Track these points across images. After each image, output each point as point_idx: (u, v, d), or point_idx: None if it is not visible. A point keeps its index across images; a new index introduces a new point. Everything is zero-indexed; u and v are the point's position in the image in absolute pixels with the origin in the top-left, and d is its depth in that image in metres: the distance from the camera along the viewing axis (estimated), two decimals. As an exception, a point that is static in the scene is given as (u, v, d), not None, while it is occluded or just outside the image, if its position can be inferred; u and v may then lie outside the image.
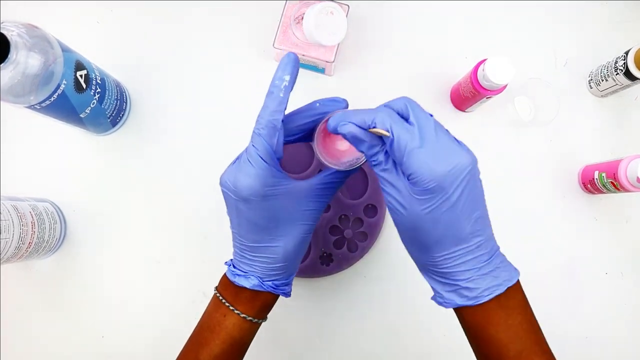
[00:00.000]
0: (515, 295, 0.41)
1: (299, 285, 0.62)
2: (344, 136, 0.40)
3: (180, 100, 0.64)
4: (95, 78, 0.53)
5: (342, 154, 0.45)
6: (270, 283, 0.44)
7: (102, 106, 0.56)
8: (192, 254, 0.62)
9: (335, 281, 0.62)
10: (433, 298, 0.43)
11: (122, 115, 0.62)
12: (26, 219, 0.53)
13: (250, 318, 0.45)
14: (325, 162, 0.44)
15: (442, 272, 0.40)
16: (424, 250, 0.40)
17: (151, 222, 0.62)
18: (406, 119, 0.39)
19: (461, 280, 0.39)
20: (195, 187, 0.63)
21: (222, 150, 0.63)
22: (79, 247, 0.61)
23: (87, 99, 0.52)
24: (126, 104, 0.62)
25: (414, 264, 0.64)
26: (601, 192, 0.62)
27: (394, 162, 0.40)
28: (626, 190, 0.58)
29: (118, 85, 0.59)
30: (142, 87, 0.64)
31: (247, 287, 0.44)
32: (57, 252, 0.61)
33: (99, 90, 0.54)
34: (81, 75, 0.50)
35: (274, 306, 0.61)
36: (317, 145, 0.44)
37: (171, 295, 0.61)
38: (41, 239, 0.56)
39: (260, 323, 0.47)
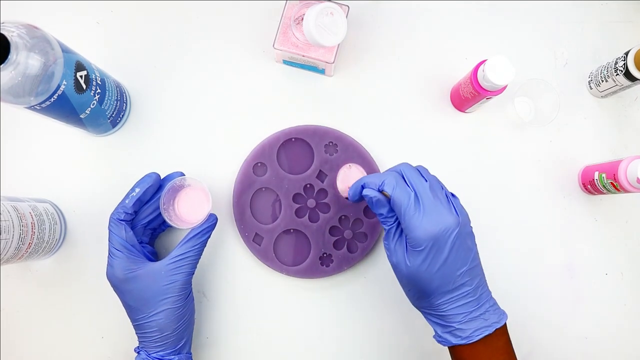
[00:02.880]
0: (501, 337, 0.47)
1: (299, 286, 0.62)
2: (368, 200, 0.49)
3: (180, 100, 0.64)
4: (96, 79, 0.53)
5: (191, 217, 0.56)
6: (155, 355, 0.52)
7: (102, 107, 0.56)
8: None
9: (335, 282, 0.62)
10: (434, 337, 0.49)
11: (122, 115, 0.62)
12: (26, 219, 0.53)
13: None
14: (181, 227, 0.54)
15: (439, 315, 0.47)
16: (422, 298, 0.48)
17: (151, 223, 0.62)
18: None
19: (455, 322, 0.46)
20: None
21: (222, 150, 0.63)
22: (79, 248, 0.61)
23: (87, 100, 0.52)
24: (126, 105, 0.62)
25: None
26: (601, 192, 0.62)
27: (399, 226, 0.48)
28: (626, 191, 0.58)
29: (118, 86, 0.59)
30: (142, 87, 0.64)
31: None
32: (57, 253, 0.61)
33: (99, 90, 0.54)
34: (81, 76, 0.50)
35: (274, 306, 0.62)
36: (169, 215, 0.54)
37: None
38: (41, 240, 0.56)
39: None
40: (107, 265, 0.52)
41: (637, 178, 0.55)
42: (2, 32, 0.42)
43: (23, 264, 0.60)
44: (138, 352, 0.53)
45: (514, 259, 0.64)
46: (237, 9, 0.66)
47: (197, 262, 0.54)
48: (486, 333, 0.46)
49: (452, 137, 0.65)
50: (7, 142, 0.62)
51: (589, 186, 0.63)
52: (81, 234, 0.61)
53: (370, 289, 0.62)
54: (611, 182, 0.59)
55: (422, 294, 0.47)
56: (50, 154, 0.62)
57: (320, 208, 0.61)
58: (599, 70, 0.65)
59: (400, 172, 0.48)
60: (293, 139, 0.62)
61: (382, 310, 0.62)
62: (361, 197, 0.50)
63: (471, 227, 0.48)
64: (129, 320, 0.53)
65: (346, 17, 0.57)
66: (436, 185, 0.47)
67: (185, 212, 0.56)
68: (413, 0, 0.67)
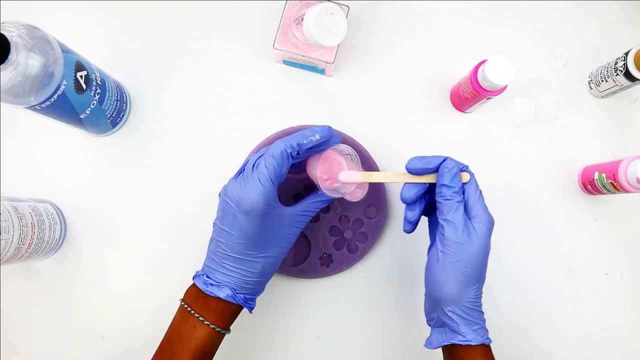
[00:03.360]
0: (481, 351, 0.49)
1: (299, 286, 0.62)
2: (449, 169, 0.48)
3: (180, 100, 0.64)
4: (96, 79, 0.53)
5: (337, 183, 0.51)
6: (242, 296, 0.48)
7: (102, 107, 0.56)
8: (192, 255, 0.61)
9: (335, 282, 0.62)
10: (452, 340, 0.48)
11: (122, 115, 0.62)
12: (26, 219, 0.53)
13: (219, 329, 0.48)
14: (324, 189, 0.49)
15: (472, 310, 0.47)
16: (468, 285, 0.47)
17: (151, 223, 0.62)
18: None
19: (481, 320, 0.48)
20: (195, 187, 0.63)
21: (222, 150, 0.63)
22: (79, 248, 0.61)
23: (87, 100, 0.52)
24: (126, 105, 0.62)
25: (413, 265, 0.64)
26: (601, 192, 0.62)
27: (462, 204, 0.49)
28: (626, 191, 0.58)
29: (118, 86, 0.60)
30: (142, 87, 0.64)
31: (221, 297, 0.47)
32: (57, 253, 0.61)
33: (99, 91, 0.54)
34: (81, 76, 0.50)
35: (274, 306, 0.62)
36: (317, 174, 0.49)
37: (171, 296, 0.61)
38: (41, 240, 0.56)
39: (225, 334, 0.50)
40: (248, 187, 0.46)
41: (637, 178, 0.55)
42: (2, 32, 0.42)
43: (23, 264, 0.60)
44: (218, 285, 0.48)
45: (513, 258, 0.64)
46: (237, 9, 0.66)
47: (307, 223, 0.52)
48: (488, 342, 0.48)
49: (452, 137, 0.65)
50: (7, 142, 0.62)
51: (589, 186, 0.63)
52: (81, 234, 0.61)
53: (370, 289, 0.62)
54: (611, 182, 0.59)
55: (471, 278, 0.47)
56: (50, 154, 0.62)
57: (320, 208, 0.61)
58: (599, 70, 0.65)
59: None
60: (293, 139, 0.62)
61: (382, 310, 0.62)
62: (427, 171, 0.48)
63: None
64: (219, 250, 0.48)
65: (346, 17, 0.57)
66: None
67: (328, 174, 0.51)
68: (413, 0, 0.67)
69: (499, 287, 0.62)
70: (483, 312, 0.49)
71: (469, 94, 0.59)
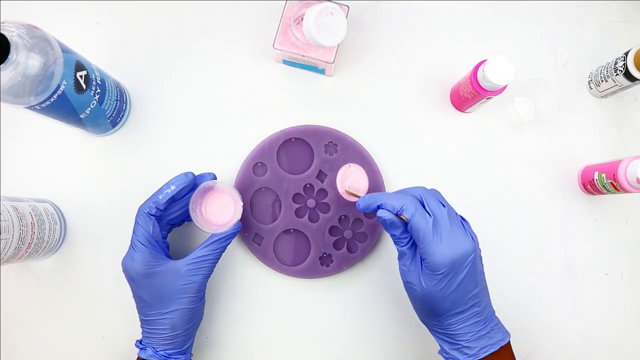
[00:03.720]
0: (505, 354, 0.49)
1: (299, 286, 0.62)
2: (382, 221, 0.49)
3: (180, 100, 0.64)
4: (95, 79, 0.53)
5: (217, 220, 0.56)
6: (162, 352, 0.52)
7: (102, 107, 0.56)
8: (192, 255, 0.62)
9: (335, 282, 0.62)
10: (440, 353, 0.51)
11: (122, 115, 0.62)
12: (26, 219, 0.53)
13: None
14: (206, 230, 0.53)
15: (448, 334, 0.49)
16: (432, 317, 0.49)
17: (151, 223, 0.62)
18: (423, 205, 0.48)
19: (463, 340, 0.48)
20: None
21: (222, 150, 0.63)
22: (79, 248, 0.61)
23: (87, 100, 0.52)
24: (126, 105, 0.62)
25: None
26: (601, 192, 0.62)
27: (414, 246, 0.49)
28: (626, 191, 0.58)
29: (118, 86, 0.59)
30: (142, 87, 0.64)
31: (144, 357, 0.52)
32: (57, 253, 0.61)
33: (99, 90, 0.54)
34: (81, 76, 0.50)
35: (274, 306, 0.62)
36: (196, 216, 0.54)
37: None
38: (41, 240, 0.56)
39: None
40: (127, 256, 0.52)
41: (637, 178, 0.55)
42: (2, 32, 0.42)
43: (23, 264, 0.60)
44: (143, 348, 0.52)
45: (513, 258, 0.64)
46: (237, 9, 0.66)
47: (214, 266, 0.54)
48: (492, 351, 0.48)
49: (452, 137, 0.65)
50: (7, 142, 0.62)
51: (588, 186, 0.63)
52: (81, 234, 0.61)
53: (370, 289, 0.62)
54: (611, 182, 0.59)
55: (432, 313, 0.49)
56: (50, 154, 0.62)
57: (320, 208, 0.61)
58: (599, 70, 0.65)
59: (420, 197, 0.48)
60: (293, 139, 0.62)
61: (381, 310, 0.62)
62: (371, 212, 0.50)
63: (479, 248, 0.49)
64: (138, 314, 0.53)
65: (346, 17, 0.57)
66: (452, 210, 0.48)
67: (211, 214, 0.56)
68: (413, 0, 0.67)
69: (499, 287, 0.62)
70: (470, 332, 0.48)
71: (469, 94, 0.59)
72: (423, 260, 0.47)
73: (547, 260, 0.64)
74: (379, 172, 0.62)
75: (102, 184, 0.62)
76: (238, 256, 0.62)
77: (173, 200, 0.54)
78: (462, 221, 0.49)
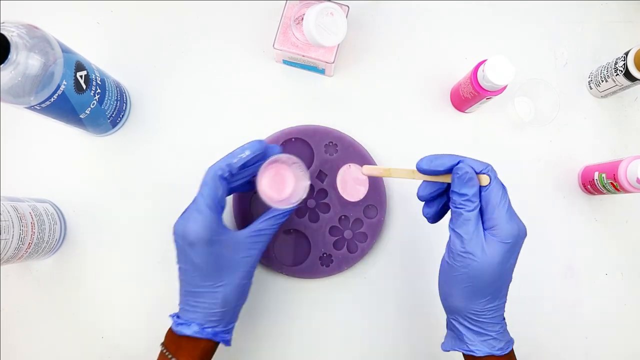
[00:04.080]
0: (513, 356, 0.48)
1: (299, 286, 0.62)
2: (460, 176, 0.44)
3: (180, 100, 0.64)
4: (95, 79, 0.53)
5: (280, 195, 0.52)
6: (210, 330, 0.47)
7: (102, 107, 0.56)
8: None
9: (335, 282, 0.62)
10: (457, 348, 0.48)
11: (122, 115, 0.62)
12: (26, 219, 0.53)
13: None
14: (271, 204, 0.50)
15: (481, 322, 0.46)
16: (475, 298, 0.45)
17: (151, 223, 0.62)
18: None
19: (493, 331, 0.46)
20: (195, 187, 0.63)
21: (222, 150, 0.63)
22: (79, 248, 0.61)
23: (87, 100, 0.52)
24: (126, 105, 0.62)
25: (413, 265, 0.64)
26: (601, 192, 0.62)
27: (479, 213, 0.45)
28: (626, 191, 0.58)
29: (118, 86, 0.60)
30: (142, 87, 0.64)
31: (188, 334, 0.47)
32: (57, 253, 0.61)
33: (99, 90, 0.54)
34: (81, 76, 0.50)
35: (274, 306, 0.61)
36: (262, 187, 0.50)
37: (171, 296, 0.61)
38: (41, 240, 0.56)
39: None
40: (187, 219, 0.47)
41: (637, 178, 0.55)
42: (2, 32, 0.42)
43: (23, 264, 0.60)
44: (186, 323, 0.47)
45: (514, 259, 0.64)
46: (237, 9, 0.66)
47: (269, 241, 0.51)
48: (512, 347, 0.47)
49: (452, 137, 0.65)
50: (7, 142, 0.62)
51: (589, 186, 0.63)
52: (81, 234, 0.61)
53: (370, 289, 0.62)
54: (611, 182, 0.59)
55: (479, 292, 0.45)
56: (50, 154, 0.62)
57: (320, 208, 0.61)
58: (599, 70, 0.65)
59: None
60: (293, 139, 0.62)
61: (382, 310, 0.62)
62: (437, 172, 0.46)
63: None
64: (182, 285, 0.49)
65: (346, 17, 0.57)
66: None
67: (275, 188, 0.52)
68: (413, 0, 0.67)
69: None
70: (500, 323, 0.46)
71: (469, 94, 0.59)
72: (490, 228, 0.44)
73: (547, 260, 0.64)
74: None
75: (102, 184, 0.62)
76: (238, 256, 0.62)
77: (243, 166, 0.50)
78: None
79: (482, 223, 0.45)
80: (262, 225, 0.50)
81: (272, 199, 0.51)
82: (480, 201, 0.45)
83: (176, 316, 0.49)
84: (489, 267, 0.44)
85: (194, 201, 0.47)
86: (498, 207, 0.44)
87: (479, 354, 0.46)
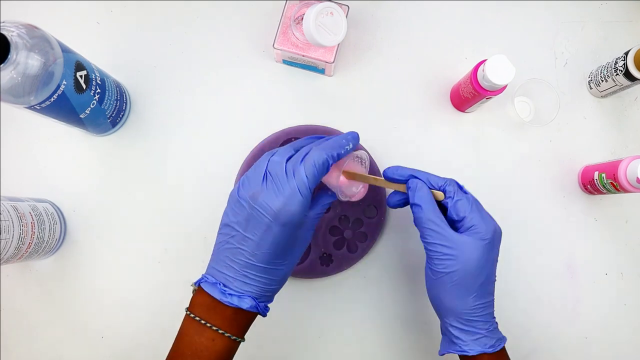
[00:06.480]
0: (505, 354, 0.50)
1: (299, 286, 0.62)
2: (410, 188, 0.50)
3: (180, 100, 0.64)
4: (95, 78, 0.53)
5: (358, 190, 0.54)
6: (263, 305, 0.47)
7: (102, 107, 0.56)
8: (192, 255, 0.62)
9: (335, 282, 0.62)
10: (451, 350, 0.49)
11: (122, 115, 0.62)
12: (26, 219, 0.53)
13: (240, 340, 0.46)
14: (341, 196, 0.50)
15: (471, 321, 0.48)
16: (462, 296, 0.48)
17: (151, 223, 0.62)
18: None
19: (483, 329, 0.48)
20: (195, 187, 0.63)
21: (222, 150, 0.63)
22: (79, 247, 0.61)
23: (87, 100, 0.52)
24: (126, 105, 0.62)
25: (413, 264, 0.64)
26: (601, 192, 0.62)
27: (442, 217, 0.49)
28: (626, 191, 0.58)
29: (118, 86, 0.60)
30: (142, 87, 0.64)
31: (243, 307, 0.44)
32: (57, 253, 0.61)
33: (99, 90, 0.54)
34: (81, 76, 0.50)
35: (274, 306, 0.61)
36: (335, 182, 0.50)
37: (172, 296, 0.61)
38: (41, 240, 0.56)
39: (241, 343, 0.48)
40: (292, 199, 0.43)
41: (637, 178, 0.55)
42: (2, 32, 0.42)
43: (23, 264, 0.60)
44: (239, 295, 0.45)
45: (513, 258, 0.64)
46: (237, 9, 0.66)
47: None
48: (503, 344, 0.49)
49: (452, 137, 0.65)
50: (7, 142, 0.62)
51: (589, 186, 0.63)
52: (81, 234, 0.61)
53: (370, 289, 0.62)
54: (611, 182, 0.59)
55: (463, 289, 0.47)
56: (50, 154, 0.62)
57: (320, 208, 0.61)
58: (599, 70, 0.65)
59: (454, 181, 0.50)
60: (293, 139, 0.62)
61: (382, 310, 0.62)
62: (399, 181, 0.51)
63: None
64: (247, 257, 0.45)
65: (346, 17, 0.57)
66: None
67: (342, 179, 0.52)
68: (413, 0, 0.67)
69: (498, 287, 0.62)
70: (490, 321, 0.48)
71: (469, 94, 0.59)
72: (468, 229, 0.48)
73: (547, 260, 0.64)
74: (379, 172, 0.62)
75: (102, 183, 0.62)
76: (238, 256, 0.62)
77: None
78: None
79: (460, 227, 0.48)
80: (319, 210, 0.49)
81: (349, 188, 0.52)
82: (451, 213, 0.49)
83: (221, 284, 0.45)
84: (469, 263, 0.47)
85: (291, 177, 0.44)
86: (471, 213, 0.48)
87: (471, 353, 0.47)
